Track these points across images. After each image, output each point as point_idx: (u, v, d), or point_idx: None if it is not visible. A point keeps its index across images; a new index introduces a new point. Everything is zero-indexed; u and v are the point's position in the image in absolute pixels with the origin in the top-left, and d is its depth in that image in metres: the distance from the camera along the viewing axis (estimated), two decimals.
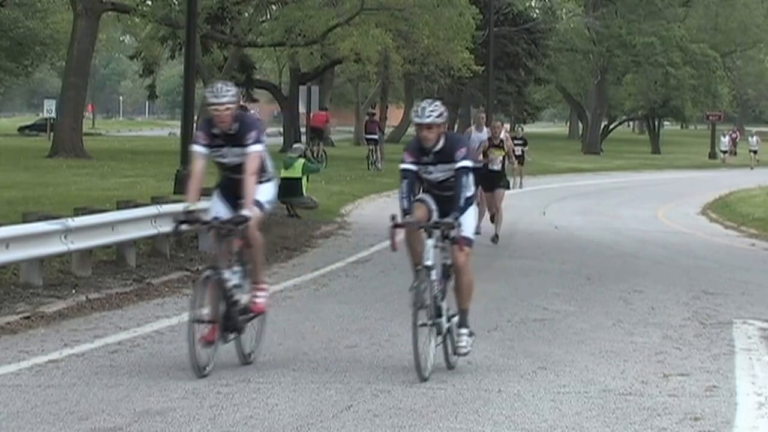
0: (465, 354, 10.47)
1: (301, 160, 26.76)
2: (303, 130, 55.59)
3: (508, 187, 23.40)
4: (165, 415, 8.53)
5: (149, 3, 46.78)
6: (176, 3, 44.58)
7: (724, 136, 72.75)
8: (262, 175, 10.45)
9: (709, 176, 58.06)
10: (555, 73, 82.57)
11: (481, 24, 49.62)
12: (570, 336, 12.47)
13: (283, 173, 26.56)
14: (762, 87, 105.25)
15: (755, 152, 68.88)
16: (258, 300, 10.58)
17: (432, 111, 10.15)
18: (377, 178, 38.86)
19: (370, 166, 43.73)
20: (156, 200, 19.04)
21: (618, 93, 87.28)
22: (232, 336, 10.26)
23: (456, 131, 67.62)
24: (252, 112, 41.62)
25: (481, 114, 27.12)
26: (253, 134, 10.27)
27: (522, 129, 53.29)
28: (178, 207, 11.89)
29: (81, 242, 15.19)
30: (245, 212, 10.13)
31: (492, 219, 22.69)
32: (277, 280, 16.46)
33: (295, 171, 26.33)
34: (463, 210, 10.20)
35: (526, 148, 43.73)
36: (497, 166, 22.61)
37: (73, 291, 14.40)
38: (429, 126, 10.14)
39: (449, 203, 10.24)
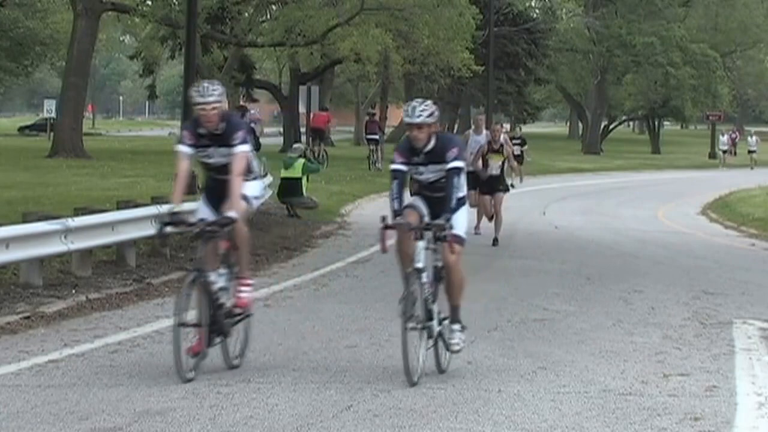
0: (458, 351, 10.32)
1: (301, 160, 26.76)
2: (303, 130, 55.66)
3: (507, 191, 23.28)
4: (165, 415, 8.53)
5: (149, 3, 46.77)
6: (176, 3, 44.57)
7: (723, 135, 72.77)
8: (248, 176, 10.31)
9: (709, 176, 58.05)
10: (555, 73, 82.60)
11: (481, 24, 49.63)
12: (570, 336, 12.47)
13: (283, 173, 26.57)
14: (762, 87, 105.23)
15: (754, 152, 68.89)
16: (242, 295, 10.38)
17: (423, 110, 9.97)
18: (377, 178, 38.84)
19: (370, 166, 43.74)
20: (156, 200, 19.03)
21: (618, 93, 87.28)
22: (217, 340, 10.09)
23: (456, 132, 67.69)
24: (252, 112, 41.66)
25: (479, 116, 27.10)
26: (239, 134, 10.09)
27: (520, 129, 53.30)
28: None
29: (81, 242, 15.19)
30: (231, 214, 9.96)
31: (491, 219, 22.66)
32: (277, 280, 16.47)
33: (295, 171, 26.34)
34: (454, 211, 10.04)
35: (525, 147, 43.71)
36: (496, 171, 22.46)
37: (73, 291, 14.40)
38: (419, 126, 9.97)
39: (440, 204, 10.05)
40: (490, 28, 50.14)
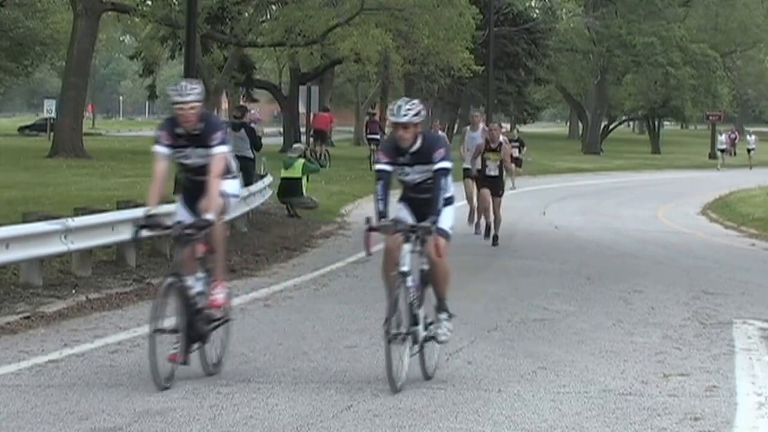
0: (444, 342, 10.11)
1: (301, 160, 26.78)
2: (303, 130, 55.66)
3: (503, 194, 23.02)
4: (165, 415, 8.53)
5: (149, 3, 46.76)
6: (176, 3, 44.55)
7: (721, 135, 72.80)
8: (226, 176, 10.06)
9: (709, 176, 58.07)
10: (555, 73, 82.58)
11: (481, 24, 49.61)
12: (570, 336, 12.47)
13: (283, 173, 26.59)
14: (762, 87, 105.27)
15: (752, 150, 68.92)
16: (216, 297, 9.98)
17: (409, 109, 9.71)
18: None
19: (371, 166, 43.74)
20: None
21: (618, 93, 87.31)
22: (195, 346, 9.75)
23: (456, 131, 67.68)
24: (252, 112, 41.62)
25: (475, 113, 27.05)
26: (218, 135, 9.84)
27: (518, 130, 53.22)
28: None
29: (81, 242, 15.20)
30: (209, 216, 9.68)
31: (487, 215, 22.55)
32: (277, 280, 16.48)
33: (295, 171, 26.36)
34: (440, 212, 9.78)
35: (524, 149, 43.73)
36: (494, 172, 22.36)
37: (73, 291, 14.41)
38: (405, 125, 9.70)
39: (426, 206, 9.80)
40: (490, 28, 50.11)
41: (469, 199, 23.84)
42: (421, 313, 9.79)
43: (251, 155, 25.18)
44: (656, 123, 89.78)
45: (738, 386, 10.07)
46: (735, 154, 75.93)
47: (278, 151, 48.51)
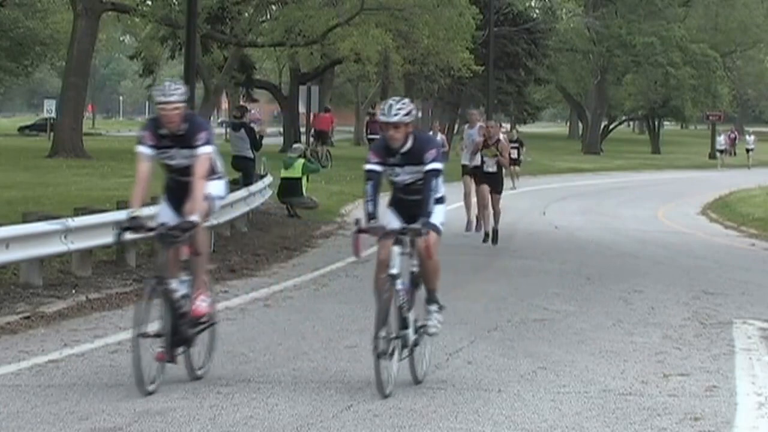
0: (434, 334, 9.98)
1: (301, 160, 26.78)
2: (303, 129, 55.65)
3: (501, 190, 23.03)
4: (165, 415, 8.53)
5: (149, 3, 46.76)
6: (176, 3, 44.58)
7: (719, 135, 72.77)
8: (212, 176, 9.93)
9: (708, 176, 58.07)
10: (555, 73, 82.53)
11: (481, 24, 49.62)
12: (570, 336, 12.47)
13: (283, 173, 26.59)
14: (762, 87, 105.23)
15: (751, 150, 68.94)
16: (198, 305, 9.75)
17: (399, 109, 9.55)
18: None
19: None
20: (156, 200, 19.00)
21: (618, 93, 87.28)
22: (180, 350, 9.57)
23: (456, 131, 67.66)
24: (252, 112, 41.57)
25: (472, 111, 27.07)
26: (202, 135, 9.69)
27: (517, 131, 53.21)
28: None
29: (81, 242, 15.19)
30: (193, 218, 9.51)
31: (485, 211, 22.51)
32: (277, 280, 16.48)
33: (295, 171, 26.36)
34: (431, 214, 9.60)
35: (524, 149, 43.72)
36: (492, 168, 22.39)
37: (73, 291, 14.41)
38: (396, 125, 9.54)
39: (416, 208, 9.64)
40: (490, 28, 50.13)
41: (467, 195, 23.75)
42: (411, 316, 9.67)
43: (251, 155, 25.21)
44: (656, 123, 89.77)
45: (738, 386, 10.07)
46: (735, 154, 75.93)
47: (278, 151, 48.49)
